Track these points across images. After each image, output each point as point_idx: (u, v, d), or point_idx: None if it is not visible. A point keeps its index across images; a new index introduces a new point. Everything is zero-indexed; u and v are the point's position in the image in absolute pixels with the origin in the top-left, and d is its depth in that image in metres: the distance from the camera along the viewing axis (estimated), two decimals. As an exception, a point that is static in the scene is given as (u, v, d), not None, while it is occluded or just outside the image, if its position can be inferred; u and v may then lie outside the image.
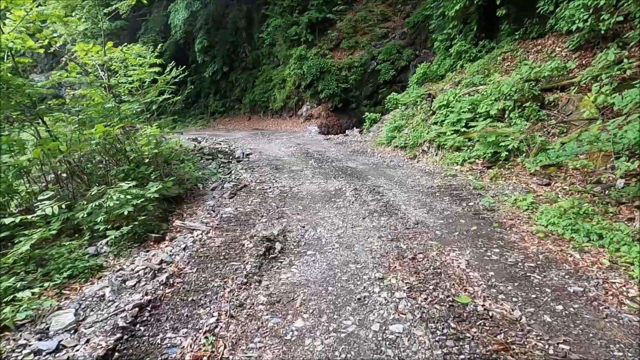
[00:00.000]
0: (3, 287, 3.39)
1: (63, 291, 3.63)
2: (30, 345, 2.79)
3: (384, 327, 2.88)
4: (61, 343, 2.78)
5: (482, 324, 2.88)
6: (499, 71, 10.41)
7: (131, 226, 4.83)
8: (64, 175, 6.72)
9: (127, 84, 9.09)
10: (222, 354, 2.69)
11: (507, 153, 7.17)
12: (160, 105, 11.29)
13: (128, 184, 5.14)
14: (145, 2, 9.14)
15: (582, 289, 3.33)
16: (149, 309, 3.24)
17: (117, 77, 9.35)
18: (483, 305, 3.09)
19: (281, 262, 4.16)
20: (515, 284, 3.44)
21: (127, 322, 2.98)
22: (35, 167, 5.60)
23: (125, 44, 9.06)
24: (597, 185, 5.48)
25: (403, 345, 2.68)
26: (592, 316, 2.97)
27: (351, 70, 17.47)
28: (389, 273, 3.73)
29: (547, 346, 2.63)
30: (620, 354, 2.55)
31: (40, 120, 6.12)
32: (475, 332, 2.78)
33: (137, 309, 3.16)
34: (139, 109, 8.13)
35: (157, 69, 9.72)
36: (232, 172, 9.03)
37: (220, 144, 14.85)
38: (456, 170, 7.72)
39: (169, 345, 2.81)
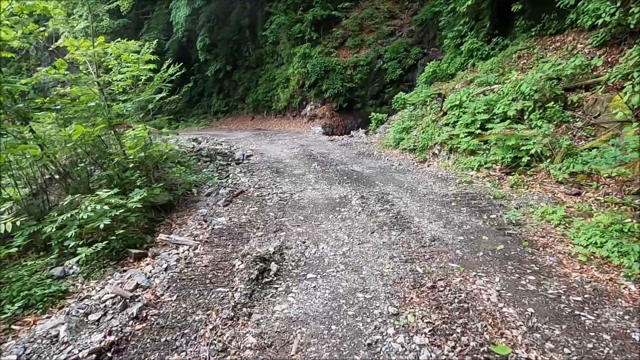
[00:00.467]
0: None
1: (13, 326, 3.00)
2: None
3: (402, 390, 2.22)
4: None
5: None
6: (514, 69, 9.69)
7: (107, 241, 4.19)
8: (45, 180, 6.14)
9: (120, 82, 8.51)
10: None
11: (528, 158, 6.46)
12: (156, 105, 10.71)
13: (107, 192, 4.50)
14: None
15: (648, 334, 2.64)
16: (109, 354, 2.59)
17: (110, 75, 8.76)
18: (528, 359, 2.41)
19: (276, 289, 3.50)
20: (563, 326, 2.75)
21: (78, 376, 2.34)
22: (6, 173, 4.98)
23: (119, 39, 8.45)
24: (638, 197, 4.77)
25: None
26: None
27: (357, 69, 16.77)
28: (405, 307, 3.05)
29: None
30: None
31: (24, 120, 5.55)
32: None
33: (94, 356, 2.51)
34: (130, 108, 7.51)
35: (152, 66, 9.11)
36: (230, 175, 8.39)
37: (222, 144, 14.24)
38: (471, 176, 7.02)
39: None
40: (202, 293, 3.44)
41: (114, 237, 4.24)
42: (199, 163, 9.62)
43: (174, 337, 2.81)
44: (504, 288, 3.27)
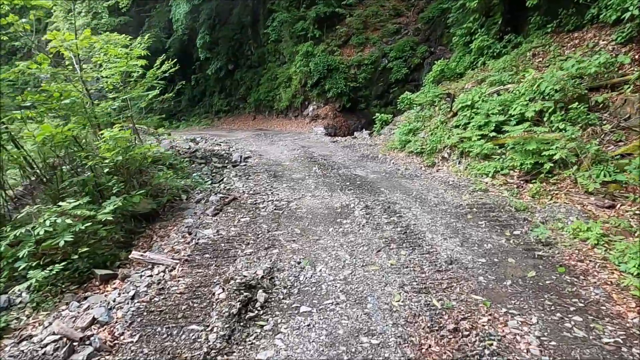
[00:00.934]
0: None
1: None
2: None
3: None
4: None
5: None
6: (528, 68, 8.96)
7: (69, 261, 3.54)
8: (27, 186, 5.52)
9: (108, 78, 7.87)
10: None
11: (551, 164, 5.75)
12: (149, 103, 10.07)
13: (72, 202, 3.85)
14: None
15: None
16: None
17: (99, 71, 8.13)
18: None
19: (262, 327, 2.82)
20: (634, 396, 2.06)
21: None
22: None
23: (106, 33, 7.84)
24: (688, 212, 4.07)
25: None
26: None
27: (361, 68, 16.06)
28: (423, 359, 2.37)
29: None
30: None
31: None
32: None
33: None
34: (117, 106, 6.87)
35: (143, 62, 8.47)
36: (225, 179, 7.73)
37: (220, 144, 13.58)
38: (487, 183, 6.32)
39: None
40: (171, 332, 2.77)
41: (76, 256, 3.58)
42: (193, 165, 8.97)
43: (124, 401, 2.15)
44: (546, 333, 2.58)
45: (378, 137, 12.09)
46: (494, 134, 7.23)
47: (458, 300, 3.04)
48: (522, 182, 6.04)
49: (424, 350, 2.46)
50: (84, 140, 5.98)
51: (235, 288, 3.17)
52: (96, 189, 4.88)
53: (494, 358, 2.35)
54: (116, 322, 2.89)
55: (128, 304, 3.14)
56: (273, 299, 3.20)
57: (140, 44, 8.59)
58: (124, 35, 8.59)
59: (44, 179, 5.16)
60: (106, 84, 8.30)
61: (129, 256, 3.95)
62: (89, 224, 3.81)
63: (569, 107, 6.49)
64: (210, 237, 4.59)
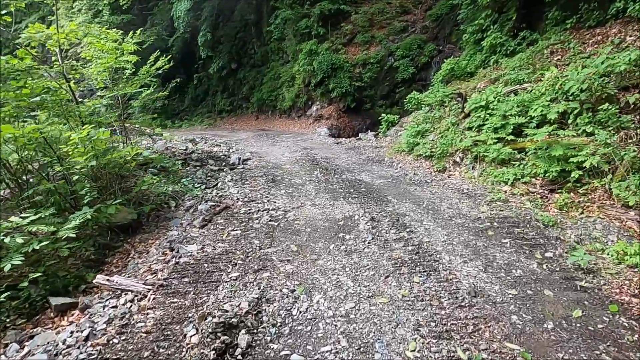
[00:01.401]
0: None
1: None
2: None
3: None
4: None
5: None
6: (549, 66, 8.26)
7: (17, 289, 2.92)
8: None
9: (96, 75, 7.29)
10: None
11: (580, 173, 5.06)
12: (144, 102, 9.48)
13: (27, 216, 3.24)
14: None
15: None
16: None
17: (85, 67, 7.56)
18: None
19: (240, 387, 2.19)
20: None
21: None
22: None
23: (86, 23, 7.24)
24: None
25: None
26: None
27: (366, 67, 15.37)
28: None
29: None
30: None
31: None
32: None
33: None
34: (105, 105, 6.28)
35: (134, 58, 7.88)
36: (219, 184, 7.10)
37: (220, 145, 12.99)
38: (505, 192, 5.64)
39: None
40: (124, 392, 2.14)
41: (26, 284, 2.96)
42: (188, 168, 8.36)
43: None
44: (613, 409, 1.92)
45: (384, 138, 11.41)
46: (511, 137, 6.54)
47: (489, 350, 2.39)
48: (546, 191, 5.35)
49: None
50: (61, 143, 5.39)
51: (211, 330, 2.53)
52: (68, 199, 4.26)
53: None
54: (58, 376, 2.27)
55: (79, 347, 2.52)
56: (258, 342, 2.56)
57: (132, 39, 8.02)
58: (115, 29, 8.02)
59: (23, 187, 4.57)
60: (96, 81, 7.75)
61: (94, 281, 3.33)
62: (47, 242, 3.19)
63: (598, 108, 5.81)
64: (194, 254, 3.96)
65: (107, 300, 3.13)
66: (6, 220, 3.13)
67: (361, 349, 2.45)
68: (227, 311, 2.78)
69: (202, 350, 2.38)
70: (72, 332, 2.69)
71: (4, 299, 2.80)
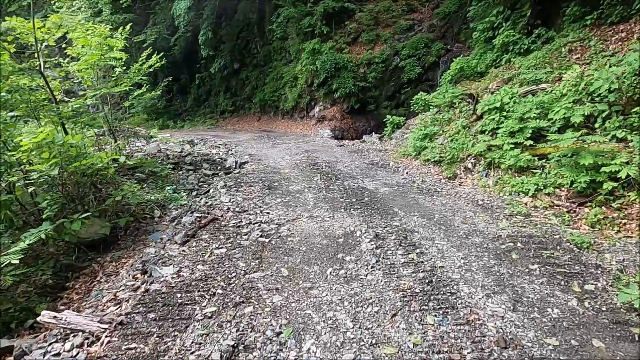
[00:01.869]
0: None
1: None
2: None
3: None
4: None
5: None
6: (564, 66, 7.59)
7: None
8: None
9: (79, 72, 6.74)
10: None
11: (614, 184, 4.39)
12: (142, 102, 8.91)
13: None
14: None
15: None
16: None
17: (67, 64, 7.00)
18: None
19: None
20: None
21: None
22: None
23: (76, 18, 6.70)
24: None
25: None
26: None
27: (370, 67, 14.73)
28: None
29: None
30: None
31: None
32: None
33: None
34: (76, 106, 5.71)
35: (123, 55, 7.32)
36: (211, 190, 6.51)
37: (219, 147, 12.43)
38: (526, 205, 4.98)
39: None
40: None
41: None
42: (180, 172, 7.78)
43: None
44: None
45: (389, 141, 10.76)
46: (530, 142, 5.87)
47: None
48: (573, 204, 4.68)
49: None
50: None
51: (165, 398, 1.92)
52: (26, 213, 3.68)
53: None
54: None
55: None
56: (228, 413, 1.95)
57: (122, 35, 7.46)
58: (103, 24, 7.47)
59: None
60: (83, 79, 7.20)
61: (38, 318, 2.73)
62: (-17, 270, 2.60)
63: (630, 111, 5.13)
64: (168, 280, 3.35)
65: (50, 344, 2.53)
66: None
67: None
68: (192, 366, 2.17)
69: None
70: (-6, 394, 2.10)
71: None
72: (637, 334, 2.43)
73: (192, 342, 2.47)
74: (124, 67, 8.22)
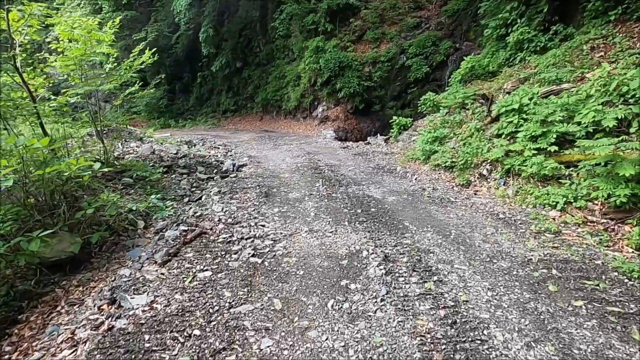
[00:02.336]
0: None
1: None
2: None
3: None
4: None
5: None
6: (586, 65, 6.97)
7: None
8: None
9: (61, 68, 6.18)
10: None
11: (661, 199, 3.77)
12: (124, 100, 8.34)
13: None
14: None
15: None
16: None
17: (56, 59, 6.45)
18: None
19: None
20: None
21: None
22: None
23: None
24: None
25: None
26: None
27: (376, 66, 14.10)
28: None
29: None
30: None
31: None
32: None
33: None
34: (54, 104, 5.15)
35: (111, 51, 6.76)
36: (203, 197, 5.94)
37: (219, 147, 11.87)
38: (555, 220, 4.35)
39: None
40: None
41: None
42: (173, 176, 7.20)
43: None
44: None
45: (395, 144, 10.13)
46: (554, 147, 5.24)
47: None
48: (610, 221, 4.06)
49: None
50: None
51: None
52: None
53: None
54: None
55: None
56: None
57: (111, 28, 6.90)
58: (93, 18, 6.90)
59: None
60: (70, 76, 6.64)
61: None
62: None
63: (672, 114, 4.50)
64: (138, 313, 2.77)
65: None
66: None
67: None
68: None
69: None
70: None
71: None
72: None
73: (152, 414, 1.88)
74: (115, 64, 7.68)
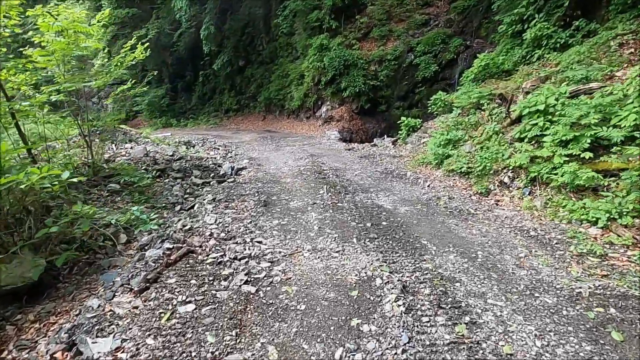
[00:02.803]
0: None
1: None
2: None
3: None
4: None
5: None
6: (615, 63, 6.32)
7: None
8: None
9: (40, 63, 5.61)
10: None
11: None
12: (114, 98, 7.75)
13: None
14: None
15: None
16: None
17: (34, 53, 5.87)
18: None
19: None
20: None
21: None
22: None
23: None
24: None
25: None
26: None
27: (382, 65, 13.46)
28: None
29: None
30: None
31: None
32: None
33: None
34: (24, 105, 4.57)
35: (98, 45, 6.18)
36: (196, 206, 5.35)
37: (219, 148, 11.30)
38: (597, 240, 3.72)
39: None
40: None
41: None
42: (167, 181, 6.62)
43: None
44: None
45: (404, 146, 9.49)
46: (589, 154, 4.59)
47: None
48: (666, 243, 3.42)
49: None
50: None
51: None
52: None
53: None
54: None
55: None
56: None
57: (101, 20, 6.33)
58: (81, 10, 6.34)
59: None
60: (59, 74, 6.06)
61: None
62: None
63: None
64: (97, 366, 2.18)
65: None
66: None
67: None
68: None
69: None
70: None
71: None
72: None
73: None
74: (106, 60, 7.11)
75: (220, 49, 19.38)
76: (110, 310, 2.75)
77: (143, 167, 6.88)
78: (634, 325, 2.45)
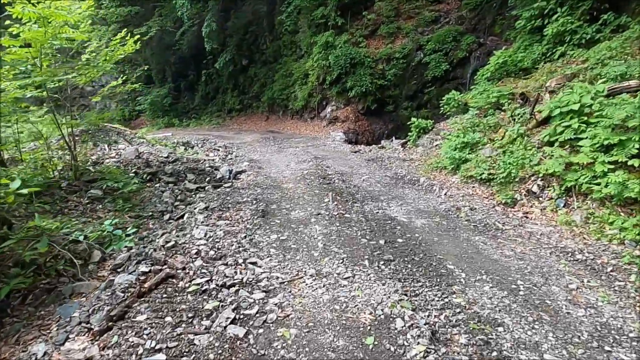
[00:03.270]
0: None
1: None
2: None
3: None
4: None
5: None
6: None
7: None
8: None
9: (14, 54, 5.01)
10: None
11: None
12: (103, 97, 7.12)
13: None
14: None
15: None
16: None
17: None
18: None
19: None
20: None
21: None
22: None
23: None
24: None
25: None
26: None
27: (390, 63, 12.76)
28: None
29: None
30: None
31: None
32: None
33: None
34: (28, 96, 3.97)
35: (81, 37, 5.58)
36: (186, 216, 4.71)
37: (219, 149, 10.70)
38: (663, 267, 3.03)
39: None
40: None
41: None
42: (157, 185, 6.00)
43: None
44: None
45: (414, 149, 8.80)
46: (638, 161, 3.90)
47: None
48: None
49: None
50: None
51: None
52: None
53: None
54: None
55: None
56: None
57: (86, 10, 5.71)
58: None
59: None
60: (35, 65, 5.45)
61: None
62: None
63: None
64: None
65: None
66: None
67: None
68: None
69: None
70: None
71: None
72: None
73: None
74: (94, 54, 6.49)
75: (223, 48, 18.76)
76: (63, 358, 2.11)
77: (133, 170, 6.26)
78: None
